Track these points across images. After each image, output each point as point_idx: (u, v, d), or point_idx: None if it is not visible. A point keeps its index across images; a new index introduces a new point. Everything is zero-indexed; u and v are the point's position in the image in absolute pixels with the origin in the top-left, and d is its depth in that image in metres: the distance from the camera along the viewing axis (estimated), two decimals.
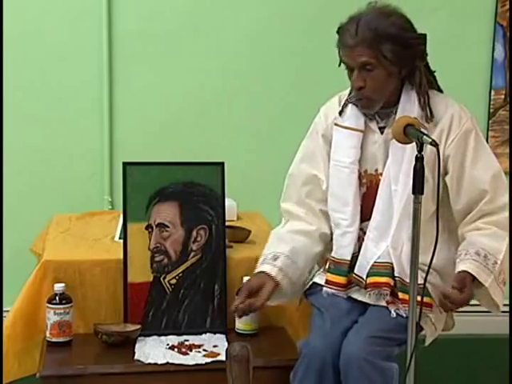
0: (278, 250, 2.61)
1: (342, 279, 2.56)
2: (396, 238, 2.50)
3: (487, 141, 3.93)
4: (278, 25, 3.83)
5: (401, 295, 2.49)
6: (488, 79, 3.94)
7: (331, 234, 2.64)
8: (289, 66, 3.86)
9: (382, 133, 2.55)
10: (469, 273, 2.38)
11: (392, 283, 2.50)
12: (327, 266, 2.62)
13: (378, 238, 2.53)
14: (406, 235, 2.45)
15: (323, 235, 2.65)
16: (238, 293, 2.76)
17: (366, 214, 2.57)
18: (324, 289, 2.59)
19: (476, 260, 2.41)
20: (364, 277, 2.53)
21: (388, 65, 2.43)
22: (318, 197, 2.65)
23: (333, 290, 2.57)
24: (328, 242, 2.66)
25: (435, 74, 2.59)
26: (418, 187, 2.14)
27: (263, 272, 2.57)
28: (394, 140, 2.39)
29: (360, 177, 2.57)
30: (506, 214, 2.48)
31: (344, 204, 2.56)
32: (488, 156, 2.53)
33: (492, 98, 3.95)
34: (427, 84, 2.52)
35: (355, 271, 2.56)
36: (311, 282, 2.69)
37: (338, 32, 2.49)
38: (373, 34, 2.40)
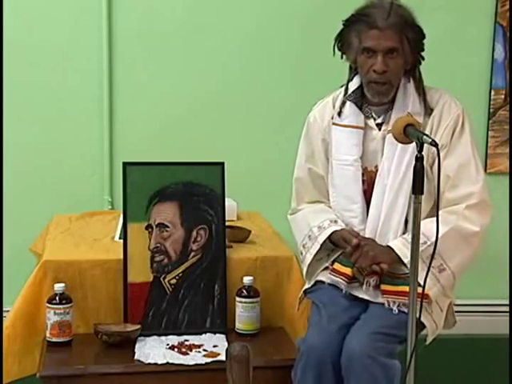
0: (331, 216, 2.62)
1: (349, 271, 2.57)
2: (384, 232, 2.53)
3: (487, 141, 3.95)
4: (278, 25, 3.82)
5: (383, 286, 2.52)
6: (488, 79, 3.94)
7: None
8: (288, 65, 3.85)
9: (379, 129, 2.58)
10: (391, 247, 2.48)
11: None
12: (336, 256, 2.63)
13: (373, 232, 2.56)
14: (395, 226, 2.51)
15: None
16: (237, 293, 2.76)
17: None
18: (327, 275, 2.61)
19: (404, 238, 2.48)
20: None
21: (408, 52, 2.49)
22: (326, 194, 2.69)
23: (337, 279, 2.58)
24: None
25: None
26: (417, 187, 2.13)
27: (339, 230, 2.57)
28: (389, 135, 2.44)
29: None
30: (469, 202, 2.47)
31: (352, 202, 2.59)
32: (464, 146, 2.51)
33: (492, 97, 3.94)
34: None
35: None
36: (314, 281, 2.69)
37: (349, 19, 2.50)
38: (402, 20, 2.45)
